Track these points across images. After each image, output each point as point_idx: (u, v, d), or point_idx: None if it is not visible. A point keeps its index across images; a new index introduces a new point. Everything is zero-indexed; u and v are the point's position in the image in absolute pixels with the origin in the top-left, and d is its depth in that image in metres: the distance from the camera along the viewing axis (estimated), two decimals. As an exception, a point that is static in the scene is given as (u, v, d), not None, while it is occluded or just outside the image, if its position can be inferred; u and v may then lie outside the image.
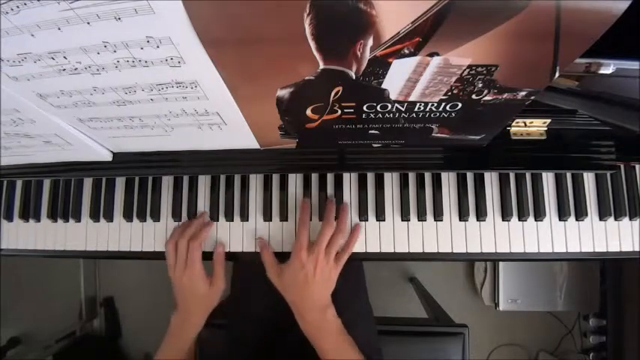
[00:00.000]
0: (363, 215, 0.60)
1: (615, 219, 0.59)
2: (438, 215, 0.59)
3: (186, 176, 0.64)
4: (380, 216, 0.60)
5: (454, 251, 0.59)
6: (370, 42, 0.30)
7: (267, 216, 0.61)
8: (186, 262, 0.56)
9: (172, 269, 0.58)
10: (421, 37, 0.30)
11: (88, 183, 0.66)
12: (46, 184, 0.67)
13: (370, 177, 0.61)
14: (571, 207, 0.59)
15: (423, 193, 0.60)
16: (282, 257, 0.61)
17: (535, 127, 0.54)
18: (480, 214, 0.59)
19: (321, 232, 0.55)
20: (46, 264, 1.46)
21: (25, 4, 0.27)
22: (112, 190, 0.65)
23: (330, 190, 0.61)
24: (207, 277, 0.59)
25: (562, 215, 0.58)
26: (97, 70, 0.34)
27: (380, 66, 0.33)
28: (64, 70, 0.34)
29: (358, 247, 0.60)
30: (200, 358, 0.80)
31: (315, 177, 0.62)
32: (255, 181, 0.63)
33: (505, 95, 0.38)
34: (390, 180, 0.61)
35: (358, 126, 0.45)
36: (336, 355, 0.54)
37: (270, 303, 0.63)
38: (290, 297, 0.56)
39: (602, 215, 0.58)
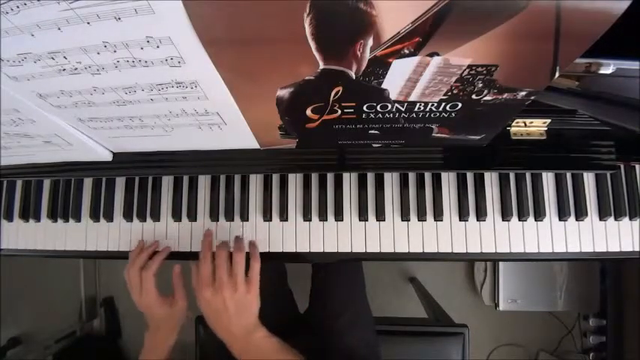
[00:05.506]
0: (363, 215, 0.60)
1: (615, 219, 0.59)
2: (437, 215, 0.59)
3: (186, 176, 0.64)
4: (380, 216, 0.60)
5: (454, 251, 0.59)
6: (370, 42, 0.30)
7: (267, 216, 0.61)
8: (141, 291, 0.56)
9: (132, 294, 0.58)
10: (421, 37, 0.30)
11: (88, 183, 0.66)
12: (46, 184, 0.67)
13: (370, 177, 0.61)
14: (571, 207, 0.59)
15: (423, 193, 0.60)
16: (284, 257, 0.61)
17: (535, 127, 0.54)
18: (480, 214, 0.59)
19: (217, 262, 0.52)
20: (46, 264, 1.46)
21: (25, 4, 0.27)
22: (112, 190, 0.65)
23: (330, 190, 0.61)
24: (167, 297, 0.59)
25: (562, 215, 0.58)
26: (97, 70, 0.34)
27: (380, 66, 0.33)
28: (64, 70, 0.34)
29: (358, 247, 0.60)
30: (199, 359, 0.81)
31: (315, 177, 0.62)
32: (255, 181, 0.63)
33: (505, 95, 0.38)
34: (390, 180, 0.61)
35: (358, 126, 0.45)
36: None
37: (270, 306, 0.63)
38: (213, 329, 0.54)
39: (602, 215, 0.58)
